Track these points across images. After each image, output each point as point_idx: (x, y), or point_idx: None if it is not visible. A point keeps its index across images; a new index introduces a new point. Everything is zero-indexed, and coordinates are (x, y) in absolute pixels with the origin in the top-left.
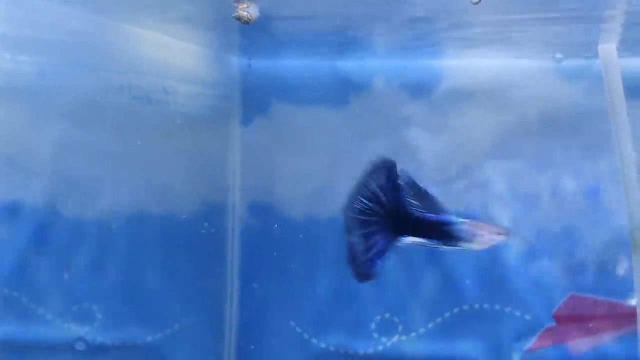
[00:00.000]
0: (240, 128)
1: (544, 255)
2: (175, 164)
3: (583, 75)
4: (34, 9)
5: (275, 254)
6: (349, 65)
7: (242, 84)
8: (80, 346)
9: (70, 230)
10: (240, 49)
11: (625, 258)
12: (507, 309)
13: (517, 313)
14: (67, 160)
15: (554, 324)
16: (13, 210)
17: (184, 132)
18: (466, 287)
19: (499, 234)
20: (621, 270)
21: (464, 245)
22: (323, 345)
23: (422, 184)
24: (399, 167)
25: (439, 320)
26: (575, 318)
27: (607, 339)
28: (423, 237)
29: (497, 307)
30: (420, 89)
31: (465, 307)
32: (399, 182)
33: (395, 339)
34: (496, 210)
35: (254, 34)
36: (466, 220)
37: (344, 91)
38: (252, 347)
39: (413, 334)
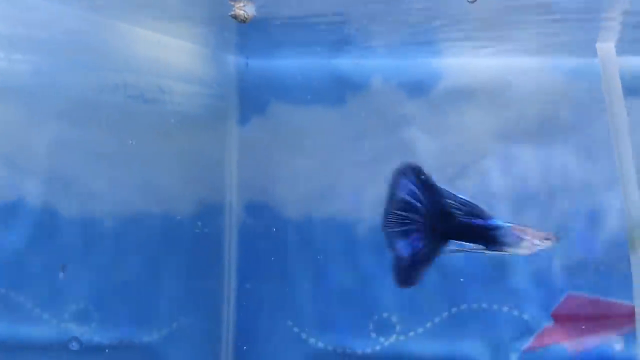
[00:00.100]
0: (237, 127)
1: (543, 255)
2: (172, 164)
3: (582, 74)
4: (28, 7)
5: (272, 253)
6: (347, 64)
7: (239, 83)
8: (74, 346)
9: (66, 230)
10: (237, 48)
11: (623, 257)
12: (505, 309)
13: (515, 313)
14: (62, 159)
15: (552, 323)
16: (8, 210)
17: (181, 131)
18: (464, 287)
19: (546, 239)
20: (619, 269)
21: (510, 250)
22: (321, 345)
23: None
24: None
25: (437, 320)
26: (573, 318)
27: (605, 339)
28: (468, 242)
29: (495, 306)
30: (418, 88)
31: (463, 306)
32: (431, 184)
33: (393, 338)
34: (495, 209)
35: (251, 33)
36: (512, 224)
37: (341, 90)
38: (245, 347)
39: (411, 334)
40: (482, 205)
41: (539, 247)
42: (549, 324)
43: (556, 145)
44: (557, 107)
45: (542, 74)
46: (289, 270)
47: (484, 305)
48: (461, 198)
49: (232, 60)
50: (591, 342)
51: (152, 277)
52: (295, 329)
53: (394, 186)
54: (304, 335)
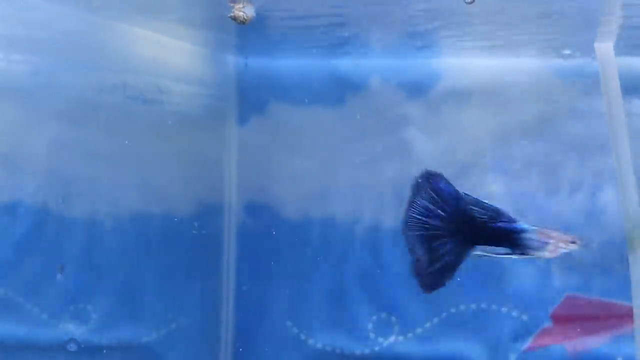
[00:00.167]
0: (237, 128)
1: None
2: (171, 164)
3: (581, 74)
4: (28, 7)
5: (271, 253)
6: (346, 64)
7: (238, 84)
8: (71, 347)
9: (65, 230)
10: (236, 48)
11: (621, 258)
12: (504, 309)
13: (514, 313)
14: (61, 160)
15: (551, 324)
16: (8, 210)
17: (180, 131)
18: (463, 287)
19: (571, 242)
20: (618, 270)
21: (535, 254)
22: (319, 345)
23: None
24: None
25: (435, 320)
26: (572, 318)
27: (604, 339)
28: (493, 246)
29: (494, 307)
30: (417, 89)
31: (462, 307)
32: (452, 189)
33: (391, 339)
34: None
35: (250, 34)
36: (537, 227)
37: (340, 91)
38: (241, 349)
39: (410, 334)
40: None
41: (564, 251)
42: (548, 324)
43: (555, 145)
44: (556, 107)
45: (540, 74)
46: (288, 271)
47: (483, 306)
48: (484, 202)
49: (231, 61)
50: (590, 342)
51: (151, 278)
52: (295, 330)
53: (414, 192)
54: (303, 336)
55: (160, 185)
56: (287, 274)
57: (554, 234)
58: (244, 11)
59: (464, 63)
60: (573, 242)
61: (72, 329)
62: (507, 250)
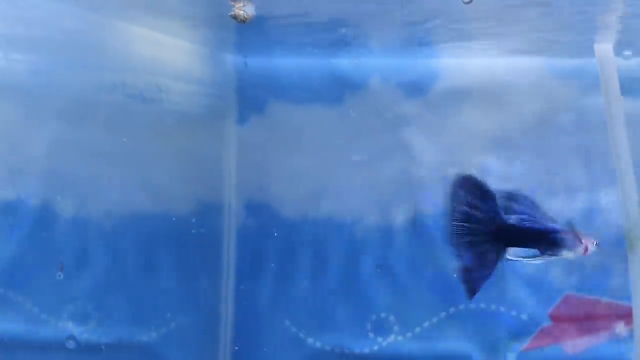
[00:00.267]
0: (236, 127)
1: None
2: (170, 163)
3: (580, 75)
4: (27, 6)
5: (271, 252)
6: (345, 64)
7: (237, 83)
8: (70, 344)
9: (64, 229)
10: (235, 47)
11: (621, 257)
12: (503, 309)
13: (513, 313)
14: (60, 158)
15: (550, 323)
16: (7, 209)
17: (179, 130)
18: (462, 287)
19: (595, 243)
20: (618, 269)
21: (565, 254)
22: (319, 345)
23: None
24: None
25: (434, 320)
26: (571, 318)
27: (602, 339)
28: (528, 246)
29: (492, 306)
30: (416, 88)
31: (461, 306)
32: (489, 192)
33: (391, 338)
34: None
35: (249, 33)
36: (567, 229)
37: (340, 90)
38: (237, 347)
39: (409, 334)
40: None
41: (588, 252)
42: (546, 324)
43: (554, 145)
44: (555, 107)
45: (540, 74)
46: (288, 270)
47: (482, 305)
48: (520, 200)
49: (231, 60)
50: (589, 342)
51: (150, 277)
52: (294, 329)
53: (452, 199)
54: (302, 335)
55: (160, 184)
56: (287, 273)
57: (582, 234)
58: (245, 10)
59: (463, 63)
60: (596, 244)
61: (71, 328)
62: (536, 252)
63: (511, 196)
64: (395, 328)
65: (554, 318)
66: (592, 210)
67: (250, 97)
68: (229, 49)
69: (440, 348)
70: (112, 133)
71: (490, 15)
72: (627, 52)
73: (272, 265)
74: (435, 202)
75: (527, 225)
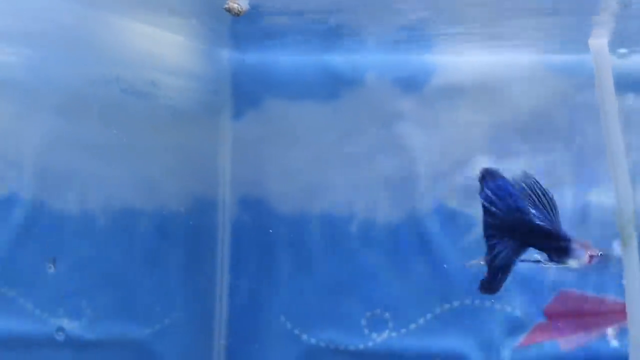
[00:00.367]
0: (231, 122)
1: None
2: (165, 158)
3: (575, 71)
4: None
5: (266, 249)
6: (341, 60)
7: (233, 78)
8: (60, 336)
9: (58, 224)
10: (231, 42)
11: (614, 253)
12: (498, 305)
13: (508, 309)
14: (54, 153)
15: (544, 320)
16: (0, 204)
17: (174, 125)
18: (457, 283)
19: (600, 254)
20: (611, 265)
21: (570, 263)
22: (313, 341)
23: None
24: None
25: (429, 316)
26: (565, 314)
27: (597, 335)
28: (539, 249)
29: (487, 303)
30: (411, 84)
31: (456, 303)
32: (510, 188)
33: (385, 334)
34: None
35: (245, 28)
36: (575, 237)
37: (335, 86)
38: (234, 344)
39: (403, 330)
40: (475, 202)
41: (591, 263)
42: (541, 320)
43: (549, 141)
44: (550, 103)
45: (535, 70)
46: (282, 266)
47: (477, 302)
48: (539, 203)
49: (226, 55)
50: (583, 338)
51: (144, 273)
52: (288, 325)
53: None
54: (296, 331)
55: (154, 179)
56: (281, 269)
57: (588, 244)
58: (239, 3)
59: (458, 58)
60: (600, 255)
61: (65, 324)
62: (544, 257)
63: (532, 202)
64: (390, 324)
65: (549, 314)
66: (587, 205)
67: (246, 93)
68: (225, 44)
69: (435, 344)
70: (106, 128)
71: (486, 11)
72: (623, 50)
73: (267, 261)
74: (430, 197)
75: (546, 228)
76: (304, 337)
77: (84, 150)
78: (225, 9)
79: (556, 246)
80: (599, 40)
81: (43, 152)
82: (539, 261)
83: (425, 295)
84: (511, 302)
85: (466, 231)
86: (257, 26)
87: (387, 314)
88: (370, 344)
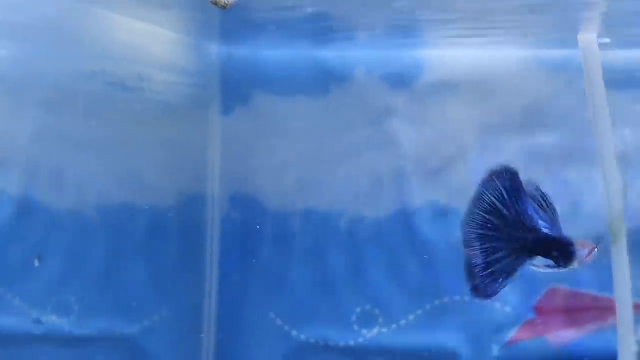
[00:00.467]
0: (221, 117)
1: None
2: (153, 154)
3: (565, 66)
4: None
5: (255, 245)
6: (331, 55)
7: (222, 73)
8: (38, 329)
9: (46, 220)
10: (221, 37)
11: (604, 250)
12: (488, 301)
13: (498, 305)
14: (41, 149)
15: (534, 316)
16: None
17: (162, 120)
18: (447, 279)
19: (596, 249)
20: (601, 262)
21: (574, 266)
22: (303, 337)
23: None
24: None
25: (419, 312)
26: (555, 310)
27: (586, 331)
28: (546, 257)
29: (477, 299)
30: (402, 80)
31: (446, 299)
32: (522, 192)
33: (375, 330)
34: None
35: (235, 23)
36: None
37: (325, 82)
38: (223, 341)
39: (394, 326)
40: (466, 199)
41: (589, 261)
42: (531, 316)
43: (539, 136)
44: (540, 98)
45: (525, 66)
46: (272, 262)
47: (467, 298)
48: (543, 211)
49: (216, 50)
50: (573, 334)
51: (133, 269)
52: (278, 321)
53: (484, 186)
54: (286, 328)
55: (143, 175)
56: (271, 266)
57: (585, 242)
58: None
59: (449, 54)
60: (597, 249)
61: (54, 320)
62: (553, 262)
63: (544, 207)
64: (380, 320)
65: (539, 311)
66: (578, 202)
67: (235, 88)
68: (214, 39)
69: (425, 340)
70: (92, 122)
71: (476, 7)
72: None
73: (257, 257)
74: (420, 194)
75: (551, 234)
76: (294, 333)
77: (72, 146)
78: (212, 2)
79: (562, 252)
80: (588, 35)
81: (30, 148)
82: (547, 266)
83: (415, 291)
84: (501, 298)
85: (456, 227)
86: (247, 20)
87: (377, 310)
88: (360, 340)
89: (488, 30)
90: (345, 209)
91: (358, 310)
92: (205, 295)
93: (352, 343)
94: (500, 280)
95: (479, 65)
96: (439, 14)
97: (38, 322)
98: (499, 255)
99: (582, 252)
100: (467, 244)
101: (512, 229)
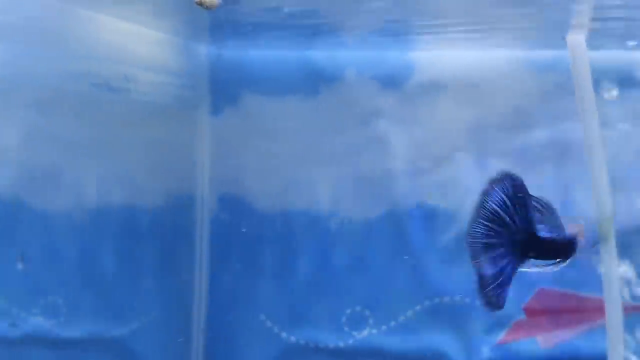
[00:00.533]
0: (210, 118)
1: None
2: (141, 154)
3: (554, 67)
4: None
5: (245, 246)
6: (320, 56)
7: (211, 73)
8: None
9: (33, 222)
10: (210, 38)
11: (594, 250)
12: (478, 302)
13: None
14: (28, 149)
15: (524, 317)
16: None
17: (149, 121)
18: (437, 280)
19: (582, 224)
20: (591, 262)
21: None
22: (293, 339)
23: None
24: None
25: (409, 313)
26: (545, 311)
27: (576, 332)
28: (549, 258)
29: (467, 300)
30: (392, 81)
31: (436, 300)
32: (525, 198)
33: (365, 332)
34: (468, 203)
35: (224, 23)
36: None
37: (315, 82)
38: (213, 343)
39: (384, 327)
40: (455, 199)
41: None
42: (520, 317)
43: (529, 137)
44: (529, 99)
45: (515, 66)
46: (262, 264)
47: (457, 299)
48: (555, 215)
49: (204, 51)
50: (563, 335)
51: (122, 271)
52: (268, 323)
53: (486, 194)
54: (276, 329)
55: (132, 176)
56: (261, 267)
57: (575, 225)
58: None
59: (438, 55)
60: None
61: (42, 323)
62: (562, 261)
63: (548, 214)
64: (371, 321)
65: (528, 312)
66: (566, 201)
67: (224, 88)
68: (203, 39)
69: (416, 341)
70: (79, 123)
71: (466, 8)
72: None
73: (246, 258)
74: (410, 194)
75: (552, 237)
76: (284, 335)
77: (59, 147)
78: (197, 2)
79: (566, 249)
80: (577, 36)
81: (17, 149)
82: (548, 265)
83: (405, 292)
84: None
85: (446, 228)
86: (237, 23)
87: (367, 312)
88: (350, 341)
89: (477, 31)
90: (335, 209)
91: (348, 311)
92: (195, 296)
93: (342, 344)
94: (508, 288)
95: (469, 66)
96: (429, 15)
97: (13, 325)
98: (505, 262)
99: (582, 241)
100: (473, 256)
101: (516, 235)
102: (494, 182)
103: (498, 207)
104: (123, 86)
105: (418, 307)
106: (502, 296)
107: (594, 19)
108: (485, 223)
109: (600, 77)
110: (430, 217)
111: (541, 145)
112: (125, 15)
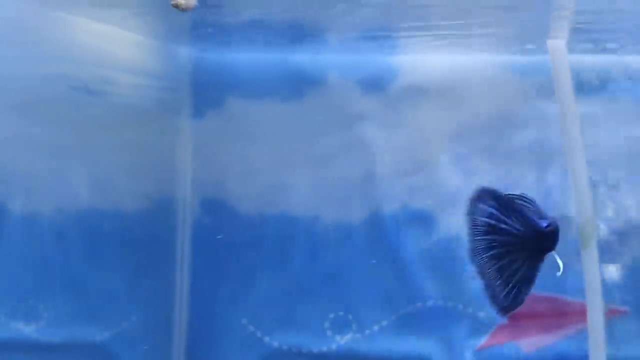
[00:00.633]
0: (191, 121)
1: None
2: (121, 158)
3: (536, 71)
4: None
5: (227, 250)
6: (303, 59)
7: (193, 76)
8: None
9: (13, 226)
10: (191, 41)
11: (575, 254)
12: (461, 306)
13: (470, 310)
14: (6, 153)
15: (507, 321)
16: None
17: (129, 124)
18: (420, 285)
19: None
20: (572, 266)
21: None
22: (276, 344)
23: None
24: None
25: (393, 318)
26: (528, 315)
27: (558, 336)
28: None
29: (450, 304)
30: (374, 85)
31: (419, 304)
32: (509, 201)
33: (349, 337)
34: (450, 205)
35: (206, 26)
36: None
37: (298, 85)
38: (195, 348)
39: (367, 332)
40: (437, 202)
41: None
42: (503, 322)
43: (512, 141)
44: (513, 103)
45: (497, 71)
46: (244, 268)
47: (440, 303)
48: (540, 209)
49: (186, 53)
50: (545, 340)
51: (102, 275)
52: (251, 328)
53: (472, 213)
54: (259, 334)
55: (112, 179)
56: (243, 271)
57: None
58: None
59: (422, 59)
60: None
61: (21, 327)
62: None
63: (536, 210)
64: (354, 326)
65: (511, 316)
66: (547, 206)
67: (207, 91)
68: (185, 42)
69: (399, 346)
70: (58, 126)
71: (448, 13)
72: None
73: (229, 263)
74: (393, 198)
75: (551, 223)
76: (266, 339)
77: (39, 150)
78: (172, 4)
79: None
80: (557, 41)
81: None
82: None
83: (388, 296)
84: (474, 303)
85: (429, 232)
86: (219, 25)
87: (350, 316)
88: (333, 346)
89: (460, 36)
90: (318, 213)
91: (331, 316)
92: (176, 301)
93: (325, 349)
94: (524, 289)
95: (452, 69)
96: (412, 19)
97: None
98: (515, 267)
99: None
100: (481, 271)
101: (517, 237)
102: (473, 200)
103: (489, 219)
104: (102, 89)
105: (401, 312)
106: (518, 297)
107: (574, 24)
108: (484, 237)
109: (580, 81)
110: (413, 220)
111: (523, 148)
112: (102, 18)
